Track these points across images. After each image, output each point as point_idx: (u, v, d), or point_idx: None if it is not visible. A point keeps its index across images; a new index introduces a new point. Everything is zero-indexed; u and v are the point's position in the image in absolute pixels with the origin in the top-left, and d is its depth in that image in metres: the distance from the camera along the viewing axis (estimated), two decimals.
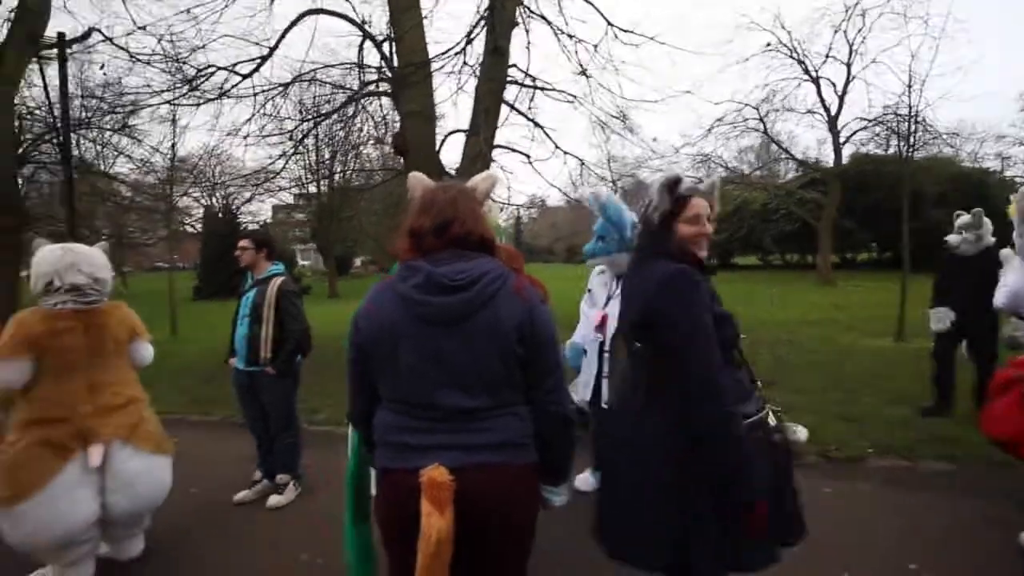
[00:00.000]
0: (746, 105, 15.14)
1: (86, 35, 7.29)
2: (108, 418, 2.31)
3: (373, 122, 10.95)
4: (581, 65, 7.85)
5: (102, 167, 13.00)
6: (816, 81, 14.89)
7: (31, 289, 2.33)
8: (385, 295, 1.17)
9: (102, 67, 7.57)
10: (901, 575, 2.28)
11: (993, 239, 4.18)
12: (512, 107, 8.56)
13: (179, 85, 6.33)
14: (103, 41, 6.80)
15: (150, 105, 6.64)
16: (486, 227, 1.22)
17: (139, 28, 6.42)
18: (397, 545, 1.12)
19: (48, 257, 2.30)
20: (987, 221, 4.18)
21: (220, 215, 20.38)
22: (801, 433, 1.86)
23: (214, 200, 20.18)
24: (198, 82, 6.44)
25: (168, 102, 6.45)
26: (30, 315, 2.25)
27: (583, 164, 9.84)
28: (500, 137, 9.66)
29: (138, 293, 23.51)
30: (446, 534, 1.01)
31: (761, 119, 15.35)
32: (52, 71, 7.24)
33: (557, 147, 9.34)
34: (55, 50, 6.92)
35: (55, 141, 10.27)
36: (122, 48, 6.71)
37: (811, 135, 64.86)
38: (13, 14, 6.74)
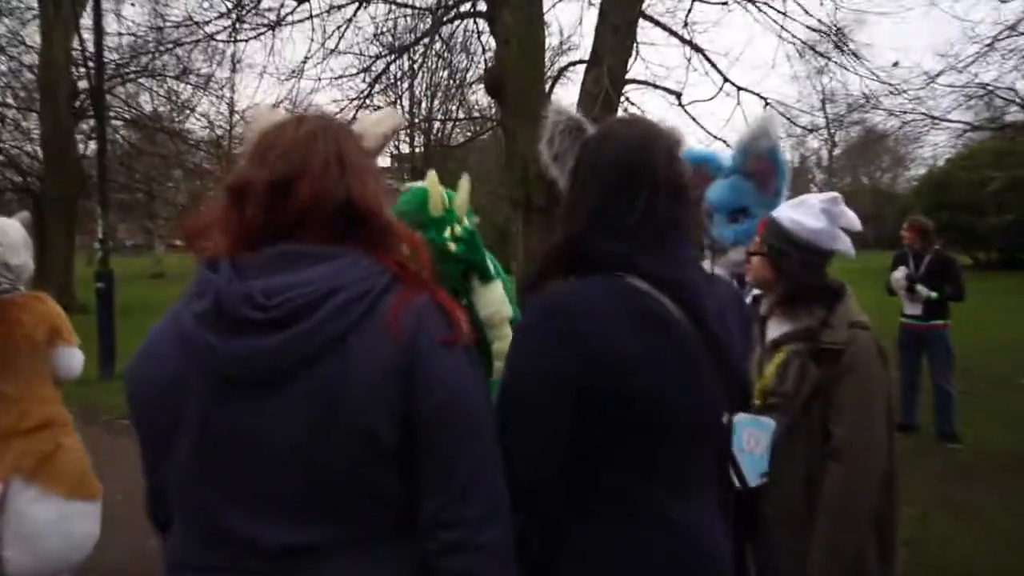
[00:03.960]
0: None
1: None
2: (8, 445, 2.33)
3: (483, 57, 11.04)
4: None
5: (176, 126, 14.91)
6: None
7: None
8: (168, 329, 0.96)
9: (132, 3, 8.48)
10: None
11: None
12: (657, 23, 7.94)
13: (223, 15, 6.79)
14: None
15: (192, 41, 7.24)
16: (368, 191, 0.97)
17: None
18: None
19: None
20: None
21: None
22: None
23: None
24: (244, 11, 6.85)
25: (211, 37, 6.97)
26: None
27: (767, 105, 8.84)
28: (637, 68, 9.11)
29: None
30: None
31: None
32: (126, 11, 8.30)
33: (727, 80, 8.60)
34: None
35: (119, 90, 11.97)
36: None
37: None
38: None
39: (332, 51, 8.03)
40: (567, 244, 1.05)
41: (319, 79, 8.44)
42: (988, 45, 12.82)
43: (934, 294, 4.81)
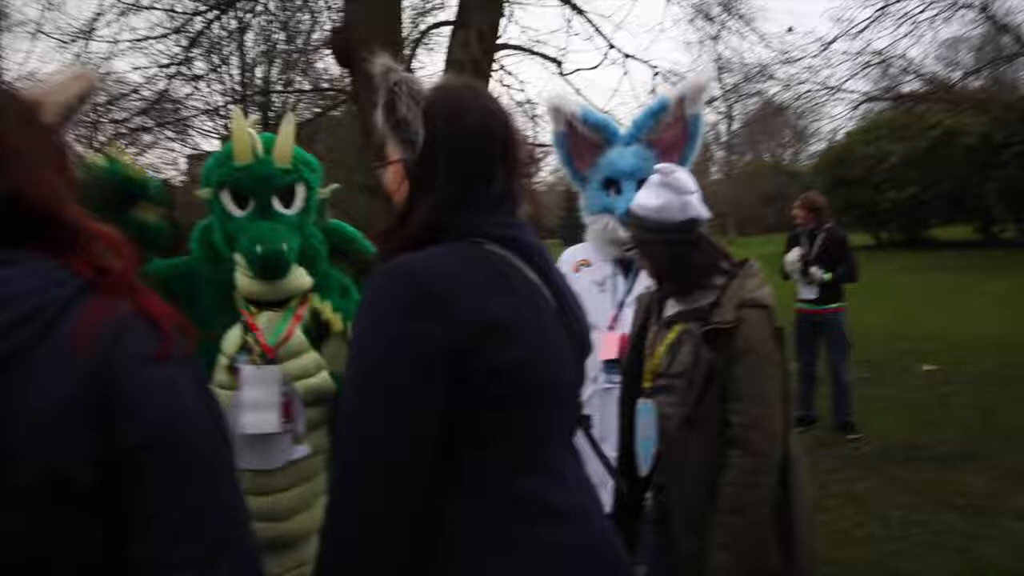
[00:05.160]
0: None
1: None
2: None
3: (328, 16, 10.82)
4: None
5: None
6: None
7: None
8: None
9: None
10: None
11: None
12: None
13: None
14: None
15: None
16: (41, 186, 0.92)
17: None
18: None
19: None
20: None
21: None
22: None
23: (94, 150, 20.72)
24: None
25: None
26: None
27: (657, 74, 9.39)
28: (512, 32, 9.34)
29: None
30: None
31: None
32: None
33: (612, 47, 9.02)
34: None
35: None
36: None
37: None
38: None
39: (132, 6, 7.64)
40: (427, 217, 1.12)
41: (116, 41, 7.95)
42: (880, 9, 14.23)
43: (827, 276, 5.20)
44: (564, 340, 1.15)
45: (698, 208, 1.86)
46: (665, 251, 1.87)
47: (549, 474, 1.13)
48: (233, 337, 1.85)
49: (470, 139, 1.15)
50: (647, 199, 1.88)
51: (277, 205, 1.80)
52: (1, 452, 0.83)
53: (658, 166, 1.93)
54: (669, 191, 1.85)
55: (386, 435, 1.02)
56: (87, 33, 7.63)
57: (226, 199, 1.79)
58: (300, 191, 1.85)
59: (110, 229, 0.96)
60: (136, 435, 0.88)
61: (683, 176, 1.88)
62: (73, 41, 7.74)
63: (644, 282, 2.48)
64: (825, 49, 13.46)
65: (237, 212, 1.79)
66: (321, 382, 1.91)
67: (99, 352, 0.87)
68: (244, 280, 1.80)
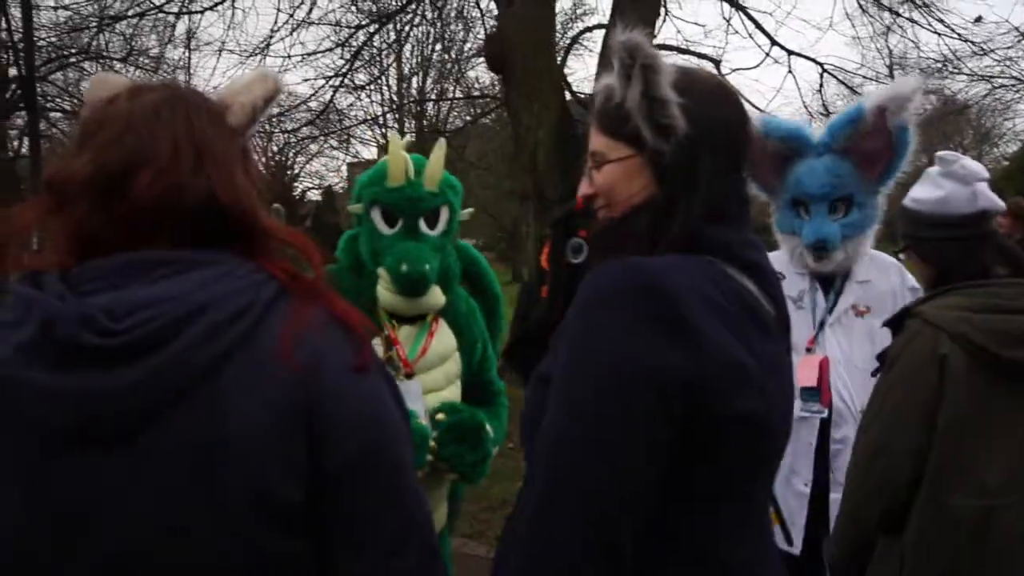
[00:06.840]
0: None
1: None
2: None
3: (482, 26, 11.07)
4: None
5: None
6: None
7: None
8: None
9: None
10: None
11: None
12: None
13: None
14: None
15: (136, 15, 7.33)
16: (236, 186, 0.91)
17: None
18: None
19: None
20: None
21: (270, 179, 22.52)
22: None
23: (267, 158, 22.38)
24: None
25: (159, 8, 7.04)
26: None
27: (824, 71, 8.87)
28: (667, 32, 9.10)
29: None
30: None
31: None
32: None
33: (775, 44, 8.59)
34: None
35: (56, 76, 12.13)
36: None
37: None
38: None
39: (302, 22, 8.13)
40: (689, 226, 0.95)
41: (288, 56, 8.52)
42: None
43: None
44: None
45: (990, 197, 1.60)
46: (948, 249, 1.63)
47: (762, 540, 0.99)
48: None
49: (731, 135, 1.00)
50: (924, 192, 1.66)
51: (423, 226, 1.91)
52: (213, 469, 0.80)
53: (939, 154, 1.69)
54: (953, 180, 1.62)
55: (607, 471, 0.85)
56: (263, 49, 8.19)
57: (376, 216, 1.90)
58: (444, 213, 1.95)
59: (299, 234, 0.96)
60: (345, 456, 0.86)
61: (970, 162, 1.64)
62: (251, 57, 8.33)
63: (849, 300, 2.25)
64: (1021, 40, 12.28)
65: (386, 230, 1.90)
66: (450, 396, 1.99)
67: (301, 364, 0.85)
68: (385, 294, 1.90)
